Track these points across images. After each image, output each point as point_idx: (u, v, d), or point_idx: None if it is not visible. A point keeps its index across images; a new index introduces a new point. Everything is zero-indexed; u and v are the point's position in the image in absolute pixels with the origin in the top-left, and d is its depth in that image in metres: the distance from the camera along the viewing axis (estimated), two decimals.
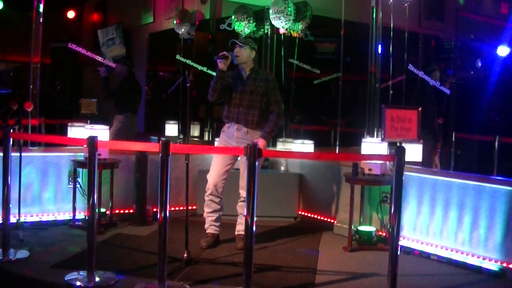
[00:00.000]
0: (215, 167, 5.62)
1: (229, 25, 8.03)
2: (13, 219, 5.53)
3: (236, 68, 5.72)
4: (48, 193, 6.27)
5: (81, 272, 4.54)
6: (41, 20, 6.34)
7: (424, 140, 6.42)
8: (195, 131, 9.01)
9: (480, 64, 9.42)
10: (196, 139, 8.86)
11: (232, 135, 5.63)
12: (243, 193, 5.56)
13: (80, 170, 6.30)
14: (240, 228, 5.71)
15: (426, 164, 6.57)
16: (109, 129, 6.69)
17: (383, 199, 6.00)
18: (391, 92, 7.19)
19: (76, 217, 6.28)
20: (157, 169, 4.54)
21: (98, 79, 8.24)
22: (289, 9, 7.32)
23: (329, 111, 9.16)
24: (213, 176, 5.61)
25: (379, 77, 6.55)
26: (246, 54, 5.59)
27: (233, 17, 8.02)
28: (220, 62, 5.46)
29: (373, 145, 5.95)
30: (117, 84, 8.23)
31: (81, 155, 6.24)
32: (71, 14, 12.38)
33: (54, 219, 6.28)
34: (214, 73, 5.74)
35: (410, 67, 7.03)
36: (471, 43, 9.54)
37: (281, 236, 6.20)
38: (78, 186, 6.30)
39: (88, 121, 7.33)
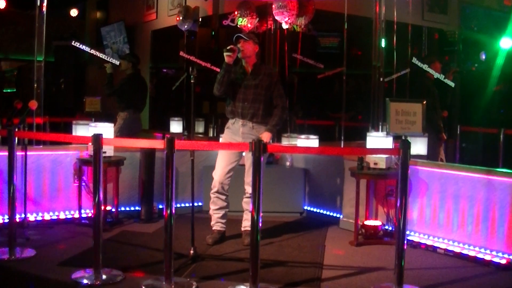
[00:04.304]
0: (221, 164, 5.62)
1: (232, 20, 8.02)
2: (18, 218, 5.54)
3: (240, 63, 5.72)
4: (53, 192, 6.28)
5: (88, 270, 4.54)
6: (44, 19, 6.34)
7: (428, 133, 6.40)
8: (199, 127, 9.02)
9: (484, 57, 9.39)
10: (200, 135, 8.87)
11: (237, 131, 5.63)
12: (248, 189, 5.56)
13: (85, 168, 6.31)
14: (246, 224, 5.70)
15: (431, 157, 6.56)
16: (113, 126, 6.69)
17: (389, 193, 5.98)
18: (395, 85, 7.18)
19: (82, 215, 6.29)
20: (162, 166, 4.54)
21: (101, 77, 8.23)
22: (292, 3, 7.31)
23: (333, 105, 9.15)
24: (219, 174, 5.61)
25: (383, 71, 6.53)
26: (250, 49, 5.59)
27: (236, 12, 8.01)
28: (227, 55, 5.46)
29: (378, 139, 5.94)
30: (121, 81, 8.21)
31: (86, 153, 6.25)
32: (73, 12, 12.40)
33: (59, 217, 6.29)
34: (218, 69, 5.74)
35: (414, 60, 7.01)
36: (475, 35, 9.51)
37: (287, 232, 6.20)
38: (83, 184, 6.31)
39: (93, 119, 7.34)
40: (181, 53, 7.80)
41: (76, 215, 6.31)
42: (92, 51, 7.49)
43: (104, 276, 4.46)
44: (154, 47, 10.63)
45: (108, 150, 6.08)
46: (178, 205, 6.82)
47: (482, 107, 8.98)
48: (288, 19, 7.42)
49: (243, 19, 7.89)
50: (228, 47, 5.46)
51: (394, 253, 4.40)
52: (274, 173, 6.99)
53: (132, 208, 6.73)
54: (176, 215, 4.51)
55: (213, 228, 5.71)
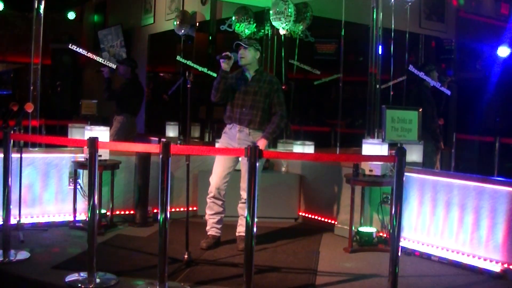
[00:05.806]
0: (217, 169, 5.62)
1: (230, 26, 8.03)
2: (13, 220, 5.52)
3: (240, 69, 5.72)
4: (48, 194, 6.27)
5: (82, 273, 4.53)
6: (41, 21, 6.34)
7: (424, 141, 6.41)
8: (195, 132, 9.02)
9: (480, 65, 9.42)
10: (196, 140, 8.87)
11: (234, 136, 5.62)
12: (244, 194, 5.55)
13: (80, 171, 6.30)
14: (240, 229, 5.70)
15: (427, 165, 6.56)
16: (109, 130, 6.68)
17: (384, 200, 5.99)
18: (392, 93, 7.19)
19: (77, 218, 6.27)
20: (157, 170, 4.54)
21: (98, 80, 8.25)
22: (289, 10, 7.33)
23: (330, 112, 9.17)
24: (215, 179, 5.60)
25: (379, 78, 6.54)
26: (250, 56, 5.58)
27: (233, 18, 8.02)
28: (223, 62, 5.46)
29: (373, 146, 5.94)
30: (120, 85, 8.22)
31: (81, 156, 6.24)
32: (71, 15, 12.42)
33: (54, 220, 6.27)
34: (215, 74, 5.75)
35: (411, 67, 7.02)
36: (471, 43, 9.54)
37: (282, 237, 6.19)
38: (78, 187, 6.30)
39: (88, 122, 7.33)
40: (178, 58, 7.81)
41: (71, 218, 6.29)
42: (89, 55, 7.48)
43: (98, 280, 4.45)
44: (151, 51, 10.63)
45: (104, 154, 6.08)
46: (173, 210, 6.80)
47: (478, 115, 9.01)
48: (286, 25, 7.43)
49: (240, 24, 7.91)
50: (223, 54, 5.46)
51: (388, 260, 4.40)
52: (270, 178, 6.99)
53: (127, 212, 6.71)
54: (170, 220, 4.51)
55: (208, 233, 5.70)
